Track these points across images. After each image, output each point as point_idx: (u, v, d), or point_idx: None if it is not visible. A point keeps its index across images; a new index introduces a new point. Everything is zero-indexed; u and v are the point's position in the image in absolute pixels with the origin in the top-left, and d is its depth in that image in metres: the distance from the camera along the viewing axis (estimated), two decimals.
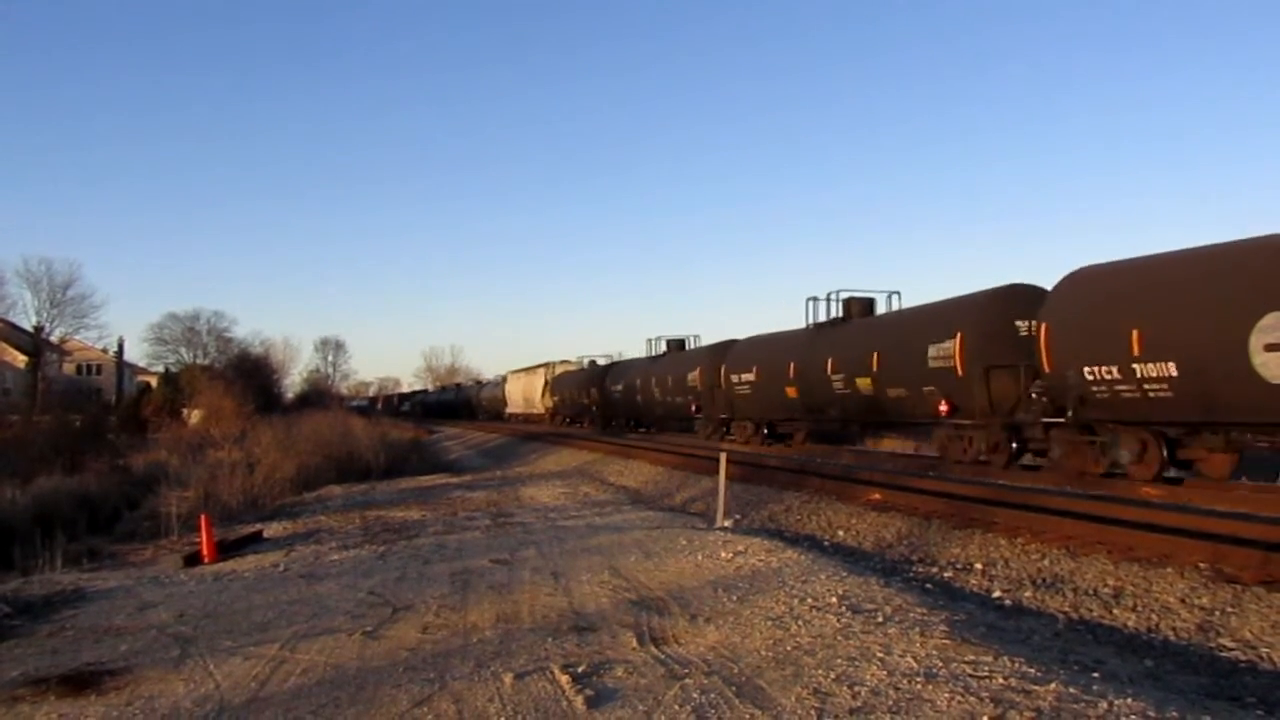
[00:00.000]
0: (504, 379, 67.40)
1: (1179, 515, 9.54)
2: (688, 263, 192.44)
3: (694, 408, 29.93)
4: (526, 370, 61.12)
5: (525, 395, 58.24)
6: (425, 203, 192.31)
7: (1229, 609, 6.77)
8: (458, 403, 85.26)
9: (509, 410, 62.97)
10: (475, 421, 70.42)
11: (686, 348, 35.02)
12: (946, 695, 4.66)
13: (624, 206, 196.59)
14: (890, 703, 4.62)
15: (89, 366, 72.71)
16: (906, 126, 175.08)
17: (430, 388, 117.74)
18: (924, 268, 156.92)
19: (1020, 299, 16.30)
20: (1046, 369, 14.22)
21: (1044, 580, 8.24)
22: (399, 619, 7.18)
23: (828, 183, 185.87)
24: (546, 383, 53.58)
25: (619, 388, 39.19)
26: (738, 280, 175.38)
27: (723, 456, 13.20)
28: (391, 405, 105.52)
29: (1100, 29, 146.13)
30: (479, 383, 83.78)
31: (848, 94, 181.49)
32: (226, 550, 11.50)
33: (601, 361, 46.99)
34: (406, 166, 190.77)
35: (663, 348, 36.60)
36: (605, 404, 41.43)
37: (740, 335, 31.56)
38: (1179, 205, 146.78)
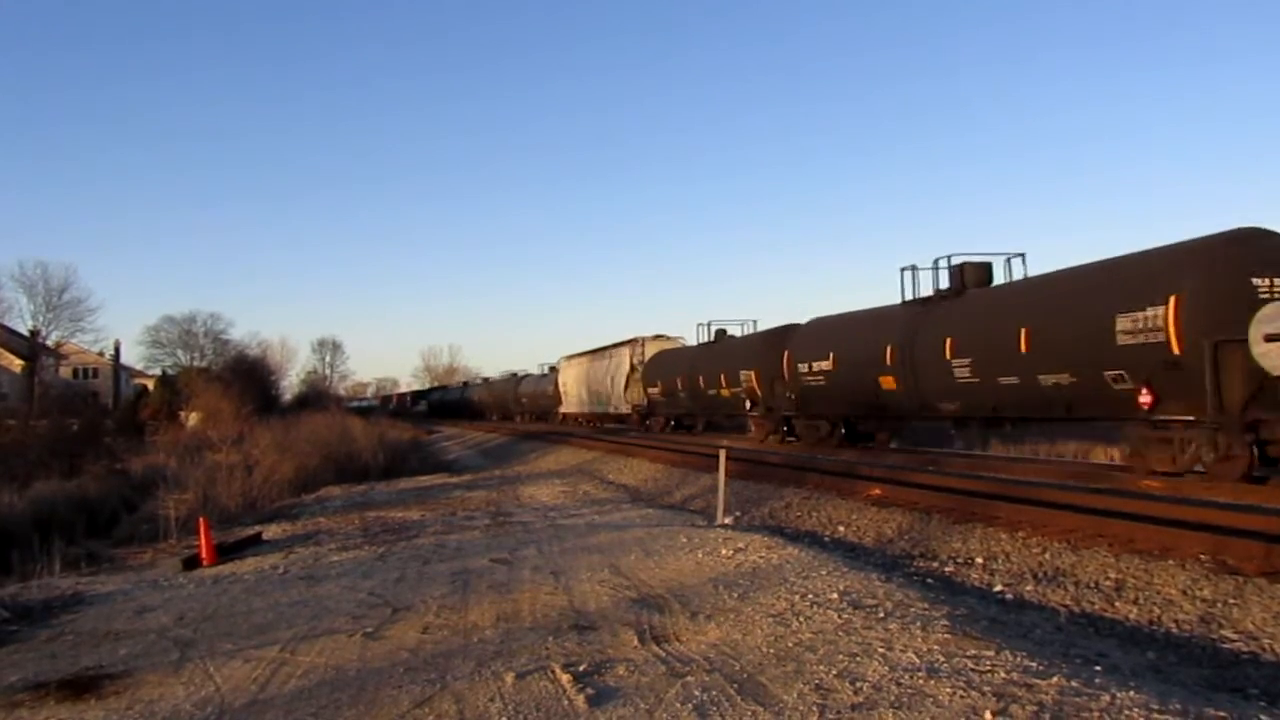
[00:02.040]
0: (554, 369, 53.28)
1: (1180, 507, 9.54)
2: (689, 261, 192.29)
3: (1148, 395, 12.24)
4: (591, 354, 44.33)
5: (594, 388, 42.55)
6: (421, 202, 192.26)
7: (1231, 601, 6.75)
8: (484, 401, 72.18)
9: (564, 409, 48.75)
10: (510, 423, 58.86)
11: (997, 280, 17.25)
12: (949, 690, 4.64)
13: (622, 204, 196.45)
14: (892, 698, 4.60)
15: (86, 370, 72.54)
16: (906, 124, 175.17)
17: (449, 384, 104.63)
18: None
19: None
20: None
21: (1045, 574, 8.23)
22: (399, 619, 7.16)
23: (816, 184, 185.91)
24: (634, 368, 36.82)
25: (824, 366, 20.66)
26: (741, 278, 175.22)
27: (722, 454, 13.16)
28: (403, 405, 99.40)
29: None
30: (513, 375, 68.51)
31: (850, 90, 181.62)
32: (226, 553, 11.49)
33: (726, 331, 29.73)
34: (402, 167, 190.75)
35: (939, 282, 17.74)
36: (800, 396, 21.98)
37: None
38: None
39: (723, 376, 26.86)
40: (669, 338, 37.50)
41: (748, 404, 25.31)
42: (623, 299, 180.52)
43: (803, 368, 21.85)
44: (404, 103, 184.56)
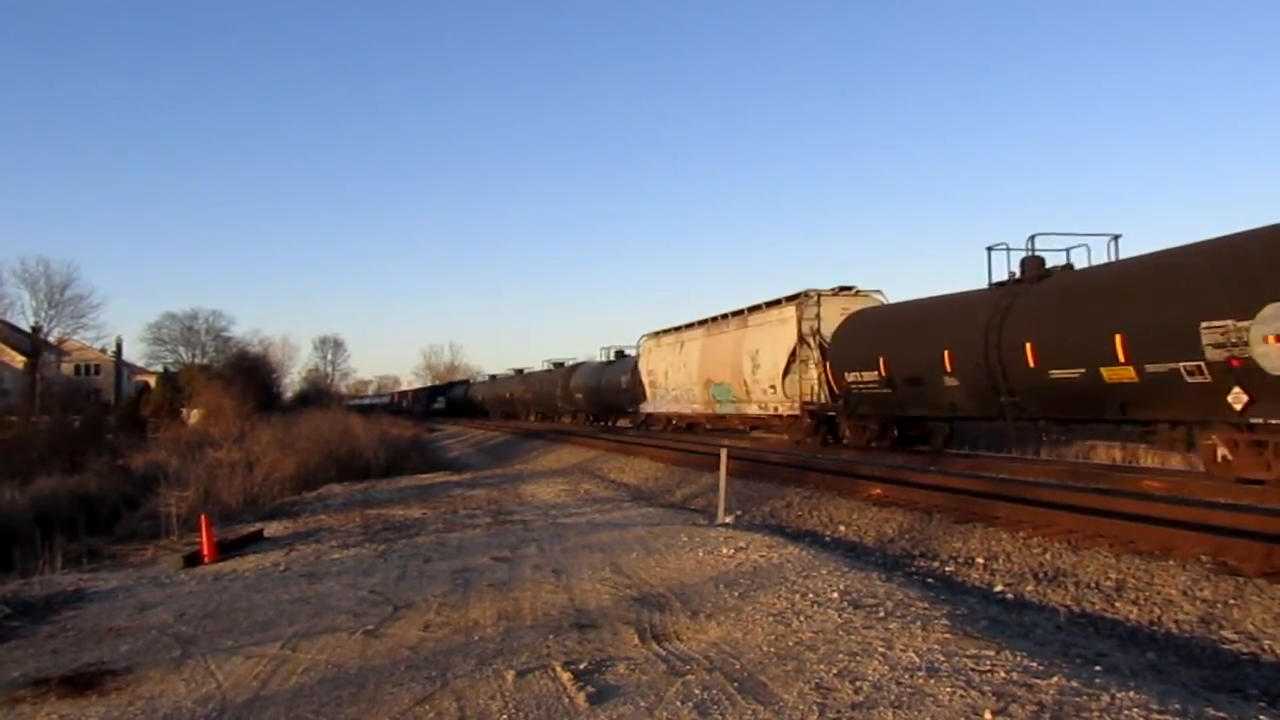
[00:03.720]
0: (622, 354, 40.94)
1: (1180, 508, 9.54)
2: (688, 259, 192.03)
3: None
4: (705, 325, 29.77)
5: (712, 377, 28.14)
6: (422, 201, 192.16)
7: (1231, 601, 6.76)
8: (518, 398, 59.14)
9: (651, 408, 34.61)
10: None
11: None
12: (948, 689, 4.65)
13: (622, 203, 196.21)
14: (892, 697, 4.61)
15: (87, 367, 72.61)
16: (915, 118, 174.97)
17: (472, 379, 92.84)
18: None
19: None
20: None
21: (1046, 574, 8.23)
22: (400, 617, 7.17)
23: (812, 180, 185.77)
24: (803, 341, 22.88)
25: None
26: (743, 277, 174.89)
27: (723, 453, 13.17)
28: (417, 402, 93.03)
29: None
30: (557, 365, 53.36)
31: (849, 90, 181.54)
32: (227, 550, 11.49)
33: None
34: (403, 165, 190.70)
35: None
36: None
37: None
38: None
39: (1117, 342, 12.55)
40: (863, 292, 23.52)
41: (1242, 399, 11.19)
42: (624, 298, 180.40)
43: None
44: (404, 103, 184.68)
